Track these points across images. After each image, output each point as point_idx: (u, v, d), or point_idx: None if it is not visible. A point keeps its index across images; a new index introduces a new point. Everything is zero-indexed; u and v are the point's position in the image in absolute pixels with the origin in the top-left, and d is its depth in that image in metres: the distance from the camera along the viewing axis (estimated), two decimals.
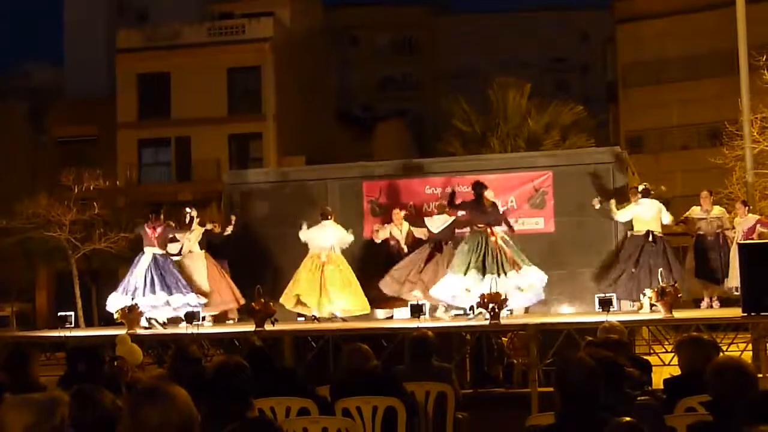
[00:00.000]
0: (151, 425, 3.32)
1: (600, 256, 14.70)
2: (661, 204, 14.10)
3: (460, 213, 13.88)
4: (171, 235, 14.48)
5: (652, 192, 14.03)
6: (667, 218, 14.01)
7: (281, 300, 14.03)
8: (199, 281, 14.49)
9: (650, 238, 13.66)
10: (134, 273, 14.10)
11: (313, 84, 39.49)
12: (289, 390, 6.63)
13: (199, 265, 14.66)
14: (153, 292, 13.80)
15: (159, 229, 14.21)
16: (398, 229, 14.77)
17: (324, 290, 14.09)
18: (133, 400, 3.47)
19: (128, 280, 14.09)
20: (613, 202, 14.09)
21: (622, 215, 14.02)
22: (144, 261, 14.09)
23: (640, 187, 14.09)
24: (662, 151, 36.14)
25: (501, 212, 13.71)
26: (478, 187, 13.55)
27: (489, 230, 13.31)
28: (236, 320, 14.88)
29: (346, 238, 14.52)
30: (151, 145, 37.88)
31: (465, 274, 13.12)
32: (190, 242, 14.76)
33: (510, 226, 13.71)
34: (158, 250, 14.14)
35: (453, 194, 13.95)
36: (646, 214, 13.83)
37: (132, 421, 3.35)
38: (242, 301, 14.50)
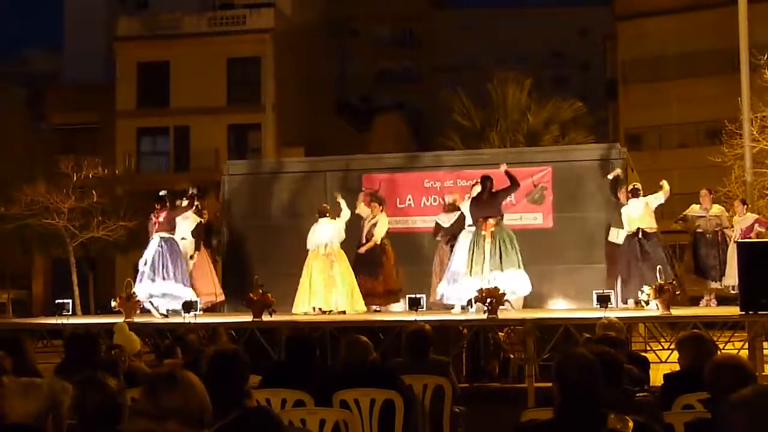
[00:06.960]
0: (173, 408, 3.37)
1: (598, 252, 14.69)
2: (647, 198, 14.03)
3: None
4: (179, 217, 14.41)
5: (640, 192, 13.92)
6: (660, 198, 13.97)
7: (294, 310, 14.11)
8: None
9: (640, 235, 13.64)
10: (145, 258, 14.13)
11: (313, 75, 39.42)
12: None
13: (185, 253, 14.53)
14: (162, 278, 13.88)
15: (163, 214, 14.18)
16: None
17: (329, 285, 14.13)
18: (152, 384, 3.51)
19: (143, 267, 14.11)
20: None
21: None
22: (151, 246, 14.10)
23: (629, 187, 13.99)
24: (661, 149, 36.11)
25: (497, 199, 13.57)
26: (483, 180, 13.53)
27: (483, 224, 13.25)
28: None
29: (340, 224, 14.43)
30: (149, 134, 37.84)
31: (471, 275, 13.15)
32: (183, 229, 14.65)
33: (501, 210, 13.54)
34: (165, 234, 14.12)
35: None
36: (633, 213, 13.80)
37: (153, 405, 3.39)
38: (220, 297, 14.70)
